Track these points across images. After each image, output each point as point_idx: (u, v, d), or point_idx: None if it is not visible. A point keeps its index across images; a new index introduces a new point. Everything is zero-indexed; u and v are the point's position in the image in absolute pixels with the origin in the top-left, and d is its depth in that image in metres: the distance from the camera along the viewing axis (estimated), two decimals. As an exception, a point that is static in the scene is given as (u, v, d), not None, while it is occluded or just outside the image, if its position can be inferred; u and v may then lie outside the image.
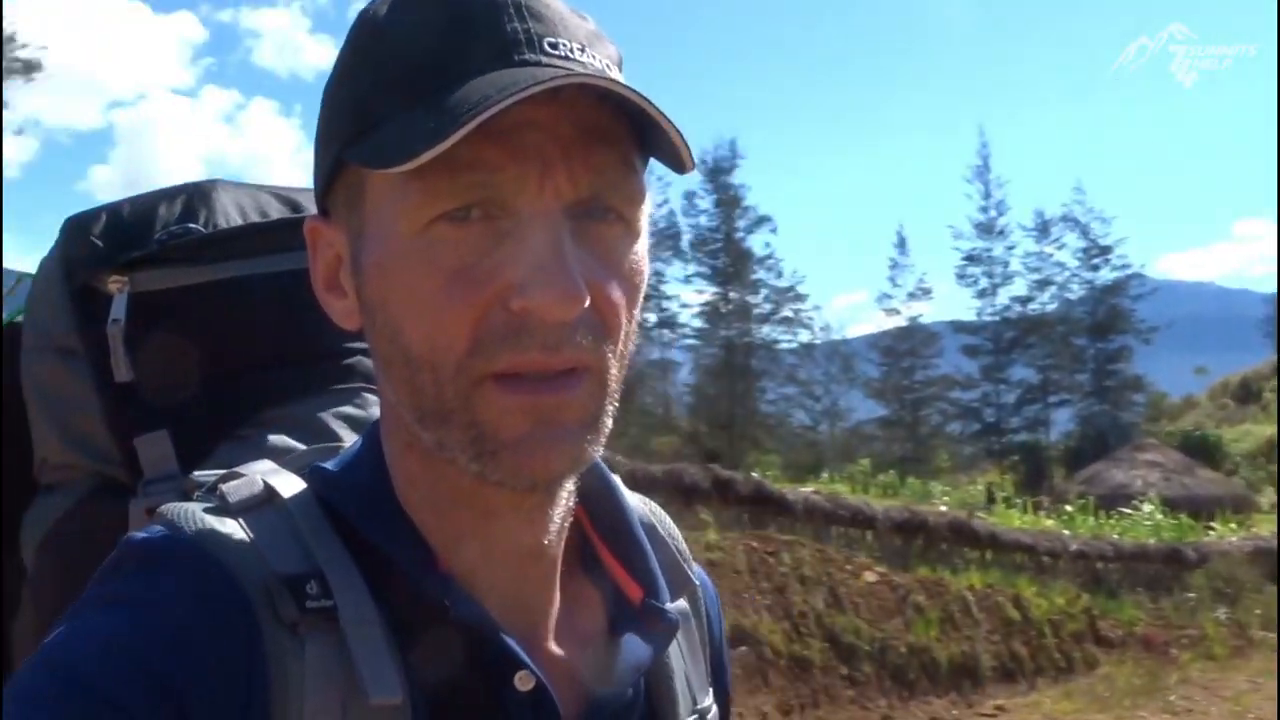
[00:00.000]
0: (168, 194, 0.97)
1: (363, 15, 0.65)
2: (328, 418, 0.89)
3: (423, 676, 0.62)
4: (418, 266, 0.59)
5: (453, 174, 0.57)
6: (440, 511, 0.67)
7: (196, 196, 0.96)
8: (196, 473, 0.83)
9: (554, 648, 0.70)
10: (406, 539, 0.65)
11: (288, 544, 0.63)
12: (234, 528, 0.63)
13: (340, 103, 0.64)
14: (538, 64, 0.59)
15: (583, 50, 0.61)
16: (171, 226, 0.93)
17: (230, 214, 0.96)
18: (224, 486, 0.67)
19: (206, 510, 0.65)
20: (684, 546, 0.82)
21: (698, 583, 0.82)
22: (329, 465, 0.71)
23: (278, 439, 0.86)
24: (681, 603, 0.78)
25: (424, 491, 0.67)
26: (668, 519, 0.82)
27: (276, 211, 0.98)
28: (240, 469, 0.72)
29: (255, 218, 0.96)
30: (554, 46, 0.60)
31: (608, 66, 0.63)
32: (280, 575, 0.61)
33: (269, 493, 0.67)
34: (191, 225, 0.93)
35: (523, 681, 0.64)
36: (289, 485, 0.68)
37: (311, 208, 0.86)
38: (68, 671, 0.55)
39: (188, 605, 0.58)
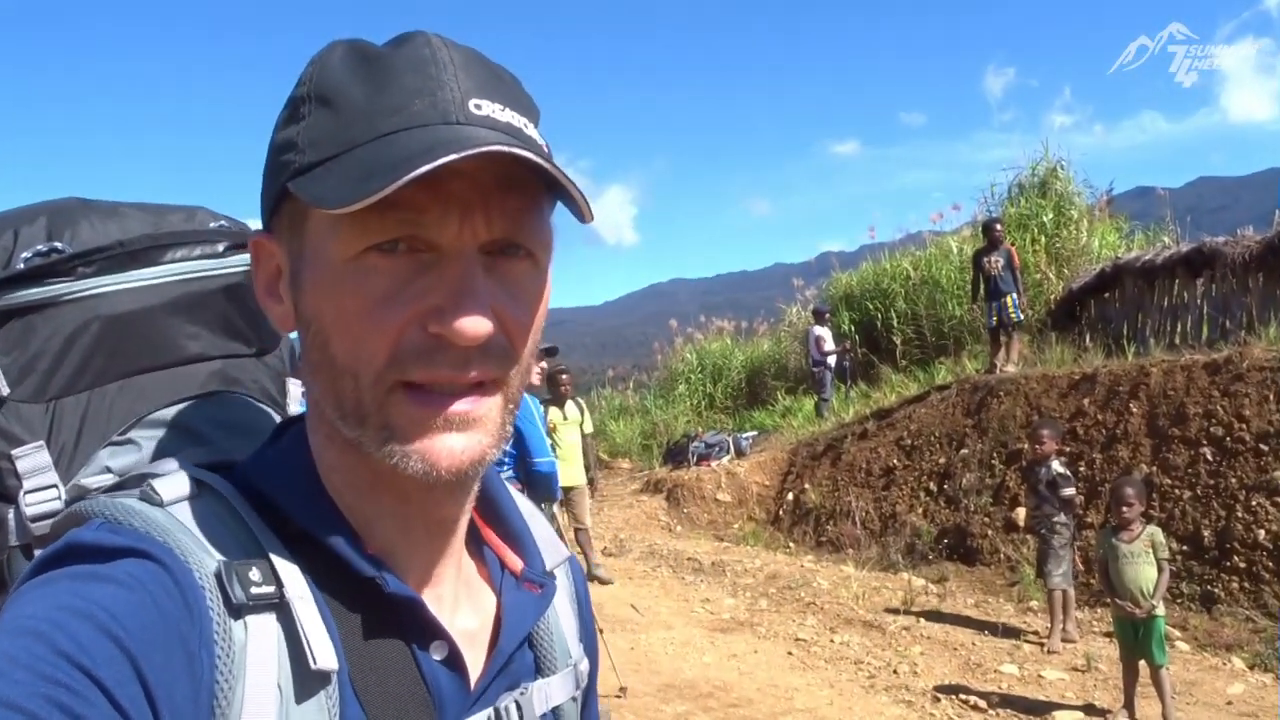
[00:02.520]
0: (27, 214, 1.03)
1: (315, 61, 0.73)
2: (198, 421, 0.96)
3: (350, 647, 0.70)
4: (349, 289, 0.68)
5: (384, 212, 0.65)
6: (360, 493, 0.75)
7: (58, 216, 1.02)
8: (82, 479, 0.92)
9: (458, 614, 0.80)
10: (335, 523, 0.73)
11: (225, 533, 0.69)
12: (173, 520, 0.68)
13: (290, 138, 0.71)
14: (465, 123, 0.68)
15: (504, 110, 0.70)
16: (37, 246, 0.98)
17: (95, 232, 1.01)
18: (155, 483, 0.71)
19: (141, 505, 0.69)
20: (553, 530, 0.94)
21: (567, 557, 0.93)
22: (252, 459, 0.79)
23: (153, 443, 0.93)
24: (557, 572, 0.90)
25: (345, 476, 0.75)
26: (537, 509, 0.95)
27: (139, 228, 1.04)
28: (153, 468, 0.79)
29: (118, 235, 1.01)
30: (479, 108, 0.69)
31: (525, 125, 0.71)
32: (223, 563, 0.66)
33: (198, 487, 0.72)
34: (58, 244, 0.99)
35: (438, 650, 0.74)
36: (208, 480, 0.74)
37: (173, 223, 1.07)
38: (35, 636, 0.57)
39: (143, 586, 0.62)
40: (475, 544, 0.86)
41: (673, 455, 15.63)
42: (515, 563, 0.85)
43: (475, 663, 0.78)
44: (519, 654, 0.82)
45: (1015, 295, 11.45)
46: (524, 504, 0.92)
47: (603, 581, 9.43)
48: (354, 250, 0.68)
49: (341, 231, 0.68)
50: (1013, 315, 11.47)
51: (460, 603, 0.81)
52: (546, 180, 0.70)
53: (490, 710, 0.77)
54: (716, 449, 14.68)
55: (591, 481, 9.75)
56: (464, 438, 0.70)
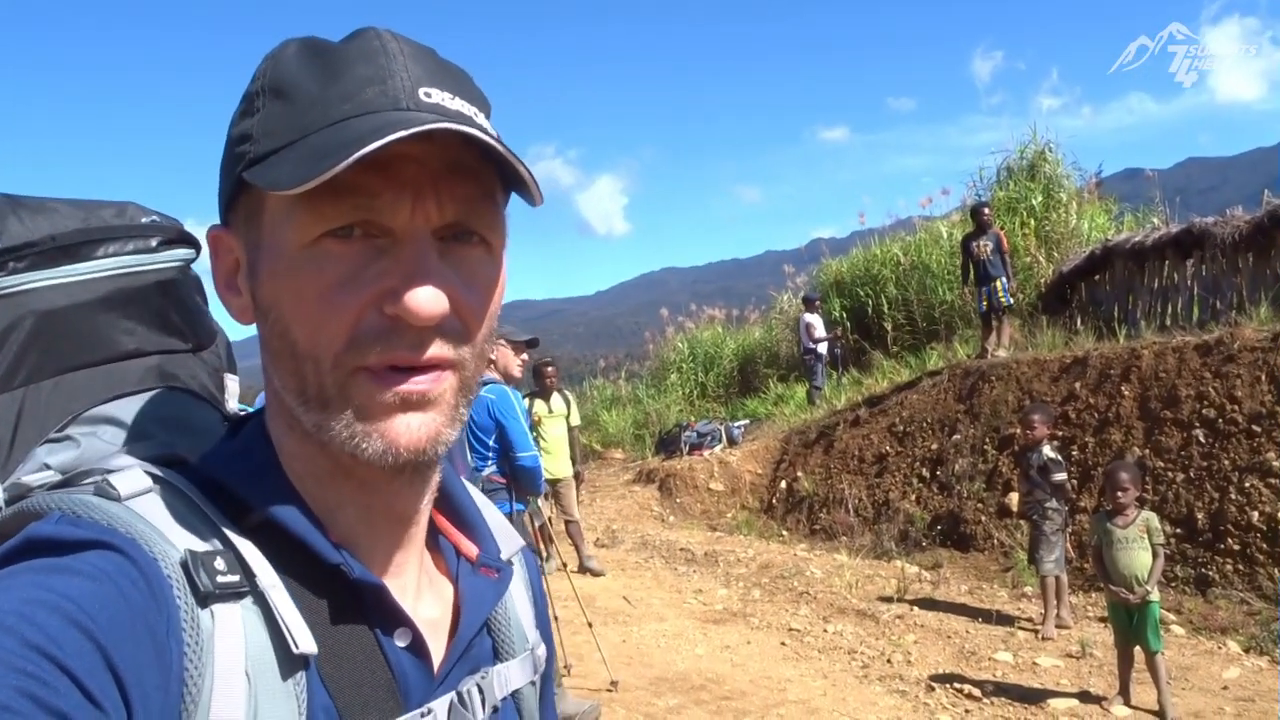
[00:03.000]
0: None
1: (269, 57, 0.75)
2: (137, 417, 0.94)
3: (316, 634, 0.70)
4: (306, 275, 0.70)
5: (339, 198, 0.67)
6: (322, 482, 0.76)
7: None
8: (21, 476, 0.89)
9: (420, 603, 0.82)
10: (298, 510, 0.74)
11: (186, 525, 0.70)
12: (132, 514, 0.68)
13: (245, 130, 0.74)
14: (415, 109, 0.70)
15: (453, 98, 0.72)
16: None
17: (25, 227, 0.99)
18: (111, 478, 0.71)
19: (99, 500, 0.69)
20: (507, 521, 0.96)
21: (522, 545, 0.95)
22: (211, 452, 0.80)
23: (91, 439, 0.92)
24: (512, 559, 0.92)
25: (306, 464, 0.76)
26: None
27: (69, 223, 1.02)
28: (104, 464, 0.78)
29: (48, 231, 1.00)
30: (429, 95, 0.71)
31: (475, 114, 0.73)
32: (189, 553, 0.67)
33: (154, 479, 0.73)
34: None
35: (402, 637, 0.75)
36: (162, 473, 0.74)
37: (104, 218, 1.04)
38: (3, 629, 0.56)
39: (109, 578, 0.62)
40: (431, 534, 0.87)
41: (665, 445, 15.60)
42: (470, 549, 0.88)
43: (437, 649, 0.79)
44: (478, 640, 0.84)
45: (1005, 279, 11.40)
46: (476, 493, 0.95)
47: (594, 573, 9.37)
48: (310, 236, 0.69)
49: (297, 218, 0.69)
50: (1002, 299, 11.43)
51: (422, 591, 0.83)
52: (499, 169, 0.72)
53: (453, 694, 0.79)
54: (709, 438, 14.65)
55: (578, 474, 9.65)
56: (420, 416, 0.72)
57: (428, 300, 0.68)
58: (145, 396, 0.98)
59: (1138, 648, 5.61)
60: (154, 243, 1.06)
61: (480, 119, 0.73)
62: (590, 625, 6.33)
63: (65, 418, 0.95)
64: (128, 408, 0.95)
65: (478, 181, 0.72)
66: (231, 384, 1.12)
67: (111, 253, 1.02)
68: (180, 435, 0.92)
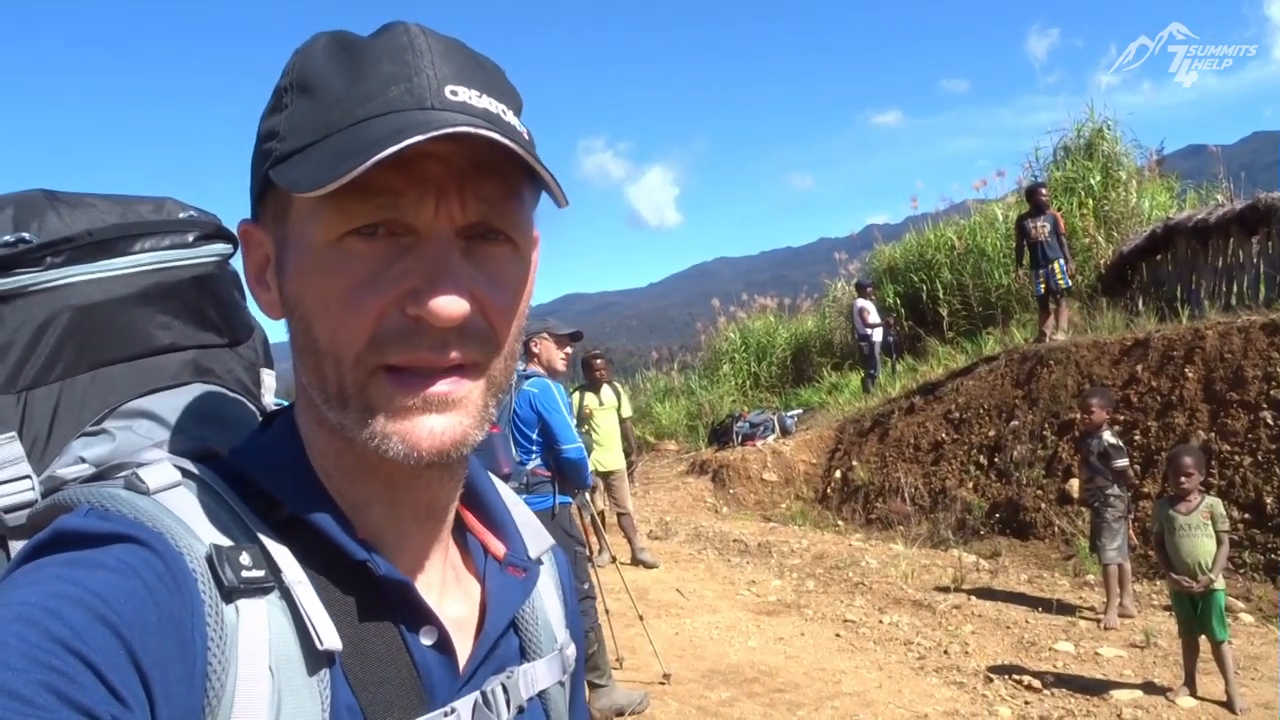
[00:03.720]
0: None
1: (299, 52, 0.75)
2: (172, 411, 0.95)
3: (341, 630, 0.70)
4: (330, 272, 0.70)
5: (363, 197, 0.67)
6: (350, 477, 0.76)
7: (24, 207, 1.01)
8: (57, 469, 0.91)
9: (446, 600, 0.82)
10: (325, 507, 0.74)
11: (213, 519, 0.70)
12: (160, 507, 0.69)
13: (272, 128, 0.74)
14: (439, 108, 0.69)
15: (480, 96, 0.71)
16: (4, 236, 0.98)
17: (63, 223, 1.00)
18: (140, 472, 0.72)
19: (127, 493, 0.70)
20: (536, 519, 0.96)
21: (551, 544, 0.96)
22: (241, 446, 0.81)
23: (126, 433, 0.93)
24: (542, 557, 0.93)
25: (334, 460, 0.77)
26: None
27: (107, 218, 1.03)
28: (135, 458, 0.80)
29: (86, 226, 1.01)
30: (455, 93, 0.70)
31: (503, 111, 0.72)
32: (214, 547, 0.67)
33: (183, 475, 0.73)
34: (25, 235, 0.98)
35: (428, 635, 0.75)
36: (192, 468, 0.75)
37: (142, 214, 1.06)
38: (29, 622, 0.57)
39: (135, 572, 0.62)
40: (459, 532, 0.88)
41: (717, 436, 15.53)
42: (498, 548, 0.87)
43: (463, 648, 0.79)
44: (505, 639, 0.84)
45: (1062, 261, 11.15)
46: (505, 491, 0.94)
47: (647, 566, 9.36)
48: (334, 234, 0.69)
49: (322, 216, 0.69)
50: (1061, 282, 11.19)
51: (449, 588, 0.83)
52: (526, 168, 0.70)
53: (477, 694, 0.78)
54: (761, 428, 14.56)
55: (630, 466, 9.62)
56: (444, 419, 0.71)
57: (448, 303, 0.68)
58: (180, 391, 0.99)
59: (1203, 637, 5.46)
60: (191, 238, 1.07)
61: (508, 117, 0.72)
62: (641, 618, 6.32)
63: (101, 412, 0.96)
64: (163, 402, 0.97)
65: (503, 180, 0.71)
66: (268, 379, 1.13)
67: (148, 248, 1.03)
68: (214, 429, 0.92)
